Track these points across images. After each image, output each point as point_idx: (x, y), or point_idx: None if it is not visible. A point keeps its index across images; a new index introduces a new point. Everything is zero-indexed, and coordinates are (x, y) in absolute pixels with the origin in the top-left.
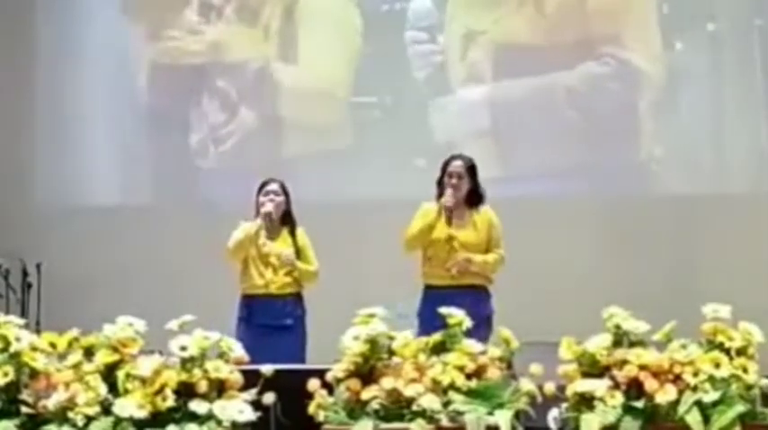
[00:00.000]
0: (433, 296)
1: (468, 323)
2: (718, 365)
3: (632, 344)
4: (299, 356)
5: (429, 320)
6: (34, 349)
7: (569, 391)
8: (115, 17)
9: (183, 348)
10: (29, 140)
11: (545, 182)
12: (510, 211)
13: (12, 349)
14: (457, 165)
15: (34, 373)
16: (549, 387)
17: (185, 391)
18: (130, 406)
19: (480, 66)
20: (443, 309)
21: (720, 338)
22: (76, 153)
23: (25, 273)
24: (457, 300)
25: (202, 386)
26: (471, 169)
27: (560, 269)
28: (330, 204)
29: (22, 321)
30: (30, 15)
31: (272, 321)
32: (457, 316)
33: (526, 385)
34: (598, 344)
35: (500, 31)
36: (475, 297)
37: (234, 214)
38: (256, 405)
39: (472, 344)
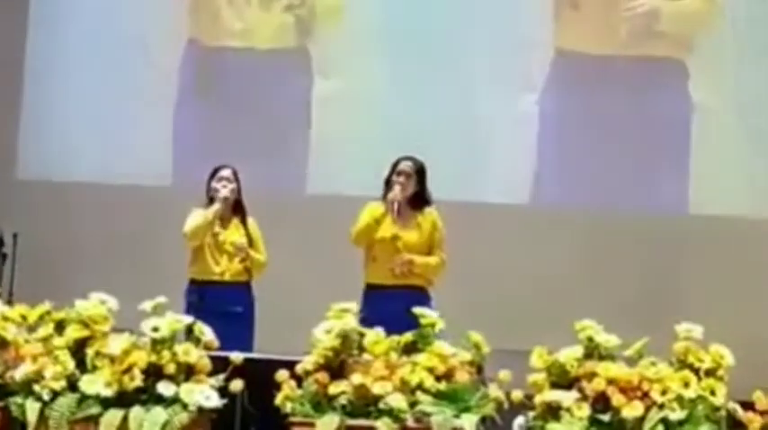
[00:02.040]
0: (375, 295)
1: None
2: (686, 385)
3: (602, 358)
4: (247, 344)
5: (370, 319)
6: (5, 319)
7: (537, 400)
8: None
9: (155, 329)
10: (12, 112)
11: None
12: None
13: None
14: (406, 164)
15: (3, 344)
16: (517, 394)
17: (154, 372)
18: (98, 383)
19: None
20: (416, 309)
21: (691, 359)
22: (60, 126)
23: (1, 243)
24: (397, 300)
25: (171, 368)
26: (420, 171)
27: (535, 277)
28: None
29: None
30: None
31: (223, 308)
32: (429, 317)
33: (494, 391)
34: (569, 355)
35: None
36: (415, 298)
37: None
38: (223, 391)
39: (443, 346)
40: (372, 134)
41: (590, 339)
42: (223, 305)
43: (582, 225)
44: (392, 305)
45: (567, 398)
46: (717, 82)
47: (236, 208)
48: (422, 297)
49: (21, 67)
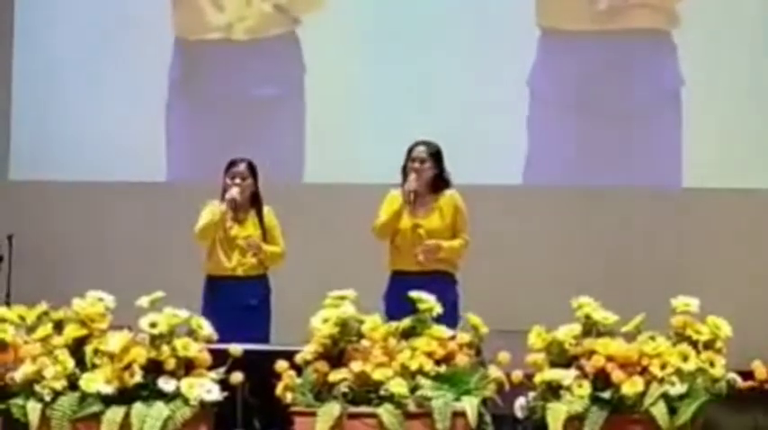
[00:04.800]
0: (400, 282)
1: (438, 309)
2: (685, 358)
3: (600, 335)
4: (263, 336)
5: (395, 306)
6: (3, 321)
7: (537, 380)
8: None
9: (153, 325)
10: (3, 114)
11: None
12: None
13: None
14: (420, 150)
15: (2, 345)
16: (517, 374)
17: (153, 368)
18: (98, 381)
19: None
20: (413, 293)
21: (689, 332)
22: (51, 126)
23: None
24: (423, 286)
25: (171, 363)
26: (436, 155)
27: (532, 257)
28: (305, 185)
29: None
30: None
31: (237, 302)
32: (427, 301)
33: (494, 372)
34: (567, 333)
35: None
36: (441, 283)
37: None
38: (224, 384)
39: (441, 330)
40: (365, 120)
41: (587, 316)
42: (238, 299)
43: (574, 203)
44: (418, 290)
45: (566, 376)
46: (703, 54)
47: (253, 201)
48: (448, 281)
49: (9, 68)
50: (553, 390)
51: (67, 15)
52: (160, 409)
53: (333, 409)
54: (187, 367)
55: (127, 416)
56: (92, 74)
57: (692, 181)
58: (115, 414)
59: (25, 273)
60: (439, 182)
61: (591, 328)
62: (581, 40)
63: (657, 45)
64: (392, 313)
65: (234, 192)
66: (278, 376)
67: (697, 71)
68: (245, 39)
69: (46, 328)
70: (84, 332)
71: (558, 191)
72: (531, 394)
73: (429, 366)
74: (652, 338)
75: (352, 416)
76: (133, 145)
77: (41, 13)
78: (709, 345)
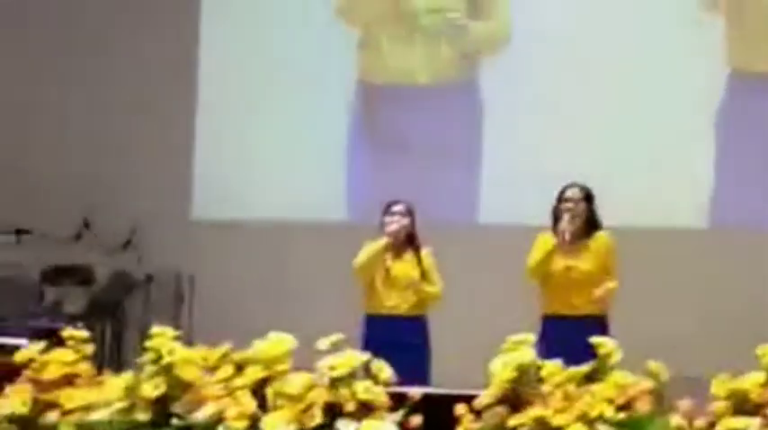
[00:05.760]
0: (553, 325)
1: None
2: None
3: None
4: (424, 377)
5: (549, 350)
6: (186, 362)
7: (720, 428)
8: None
9: (332, 368)
10: (185, 156)
11: None
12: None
13: (164, 361)
14: (573, 191)
15: (185, 386)
16: (700, 423)
17: (333, 410)
18: (279, 422)
19: None
20: (594, 339)
21: None
22: (234, 165)
23: (178, 285)
24: (576, 330)
25: (350, 406)
26: (588, 197)
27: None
28: (458, 226)
29: (175, 333)
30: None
31: (397, 341)
32: (607, 345)
33: (676, 420)
34: (752, 381)
35: None
36: (594, 327)
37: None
38: (403, 427)
39: (623, 376)
40: (543, 162)
41: None
42: (397, 338)
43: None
44: (571, 335)
45: (751, 425)
46: None
47: (410, 241)
48: (600, 326)
49: (193, 113)
50: None
51: (253, 55)
52: None
53: None
54: (366, 409)
55: None
56: (274, 113)
57: None
58: None
59: (205, 313)
60: (590, 224)
61: None
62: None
63: None
64: (545, 357)
65: (395, 226)
66: (457, 420)
67: None
68: (429, 82)
69: (227, 369)
70: (265, 373)
71: (745, 234)
72: None
73: (609, 412)
74: None
75: None
76: (313, 186)
77: (226, 51)
78: None
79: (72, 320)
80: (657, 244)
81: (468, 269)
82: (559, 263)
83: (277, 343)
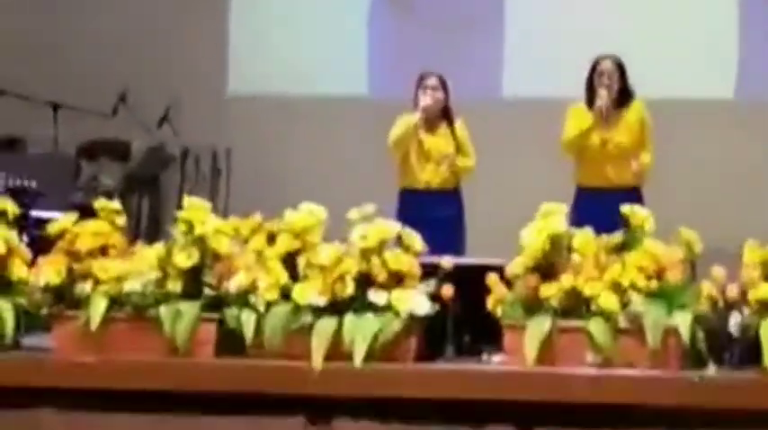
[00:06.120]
0: (588, 197)
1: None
2: None
3: None
4: (458, 250)
5: (583, 221)
6: (218, 232)
7: (751, 297)
8: None
9: (364, 237)
10: (221, 31)
11: None
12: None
13: (196, 232)
14: (607, 64)
15: (218, 257)
16: (732, 290)
17: (364, 281)
18: (310, 292)
19: None
20: (625, 208)
21: None
22: (273, 40)
23: (215, 159)
24: (611, 201)
25: (381, 276)
26: (620, 67)
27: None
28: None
29: (207, 205)
30: None
31: (432, 215)
32: (639, 215)
33: (707, 288)
34: None
35: None
36: (629, 199)
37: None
38: (434, 297)
39: (654, 245)
40: (567, 32)
41: None
42: (432, 212)
43: None
44: (605, 207)
45: None
46: None
47: (444, 114)
48: (635, 198)
49: None
50: None
51: None
52: (371, 321)
53: (543, 323)
54: (397, 280)
55: (338, 327)
56: None
57: None
58: (327, 325)
59: (242, 187)
60: (625, 95)
61: None
62: None
63: None
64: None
65: (428, 99)
66: (488, 290)
67: None
68: None
69: (259, 240)
70: (296, 244)
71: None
72: (746, 311)
73: (641, 281)
74: None
75: (563, 331)
76: (336, 58)
77: None
78: None
79: (108, 195)
80: (685, 115)
81: (496, 144)
82: (595, 135)
83: (308, 213)
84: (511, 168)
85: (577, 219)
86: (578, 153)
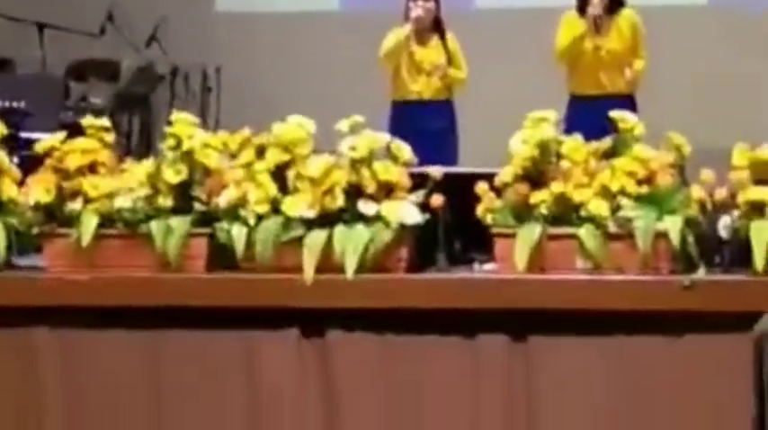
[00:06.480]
0: (581, 105)
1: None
2: None
3: None
4: (452, 161)
5: (576, 129)
6: (207, 147)
7: (741, 199)
8: None
9: (353, 148)
10: None
11: None
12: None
13: (184, 146)
14: None
15: (207, 171)
16: (721, 193)
17: (354, 192)
18: (300, 205)
19: None
20: (614, 113)
21: None
22: None
23: (205, 77)
24: (603, 109)
25: (371, 187)
26: None
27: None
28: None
29: (195, 119)
30: None
31: (424, 126)
32: (628, 120)
33: (697, 192)
34: None
35: None
36: (622, 106)
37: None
38: (424, 207)
39: (643, 150)
40: None
41: None
42: (424, 123)
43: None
44: (599, 114)
45: None
46: None
47: (435, 26)
48: (629, 105)
49: None
50: (757, 209)
51: None
52: (361, 232)
53: (533, 231)
54: (387, 190)
55: (329, 239)
56: None
57: None
58: (318, 237)
59: (232, 104)
60: (616, 1)
61: None
62: None
63: None
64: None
65: (419, 11)
66: (478, 198)
67: None
68: None
69: (249, 154)
70: (286, 157)
71: (745, 13)
72: (735, 213)
73: (631, 187)
74: None
75: (553, 238)
76: None
77: None
78: None
79: (98, 114)
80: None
81: (489, 55)
82: (588, 43)
83: (297, 126)
84: (504, 79)
85: (571, 127)
86: (571, 61)
